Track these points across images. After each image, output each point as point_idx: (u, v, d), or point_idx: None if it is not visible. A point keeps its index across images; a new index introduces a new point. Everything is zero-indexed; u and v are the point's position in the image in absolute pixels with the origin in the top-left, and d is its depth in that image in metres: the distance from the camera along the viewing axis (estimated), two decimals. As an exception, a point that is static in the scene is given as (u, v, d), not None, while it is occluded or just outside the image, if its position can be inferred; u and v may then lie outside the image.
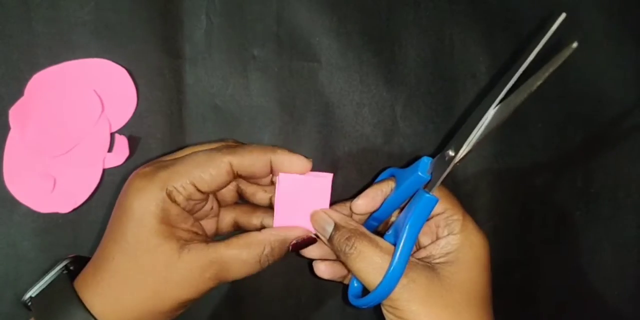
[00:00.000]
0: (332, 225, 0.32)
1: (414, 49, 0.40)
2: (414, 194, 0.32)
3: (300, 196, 0.33)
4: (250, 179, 0.34)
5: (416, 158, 0.35)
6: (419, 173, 0.31)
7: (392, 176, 0.36)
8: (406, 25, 0.40)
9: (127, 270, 0.29)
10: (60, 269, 0.33)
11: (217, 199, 0.35)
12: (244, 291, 0.39)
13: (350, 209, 0.35)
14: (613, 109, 0.43)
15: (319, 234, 0.34)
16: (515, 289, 0.42)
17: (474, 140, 0.29)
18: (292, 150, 0.33)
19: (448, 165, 0.30)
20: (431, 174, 0.31)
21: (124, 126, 0.37)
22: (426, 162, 0.32)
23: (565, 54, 0.25)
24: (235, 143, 0.35)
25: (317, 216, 0.33)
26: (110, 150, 0.36)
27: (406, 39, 0.40)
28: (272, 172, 0.33)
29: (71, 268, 0.34)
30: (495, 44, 0.41)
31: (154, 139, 0.37)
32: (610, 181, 0.43)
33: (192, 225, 0.31)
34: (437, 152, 0.40)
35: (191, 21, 0.37)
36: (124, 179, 0.36)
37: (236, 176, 0.32)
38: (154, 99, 0.37)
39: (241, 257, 0.30)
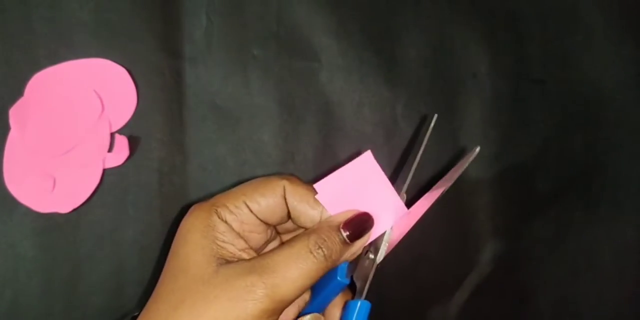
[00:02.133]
0: None
1: (414, 48, 0.40)
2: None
3: (350, 189, 0.30)
4: (292, 215, 0.31)
5: None
6: (338, 278, 0.30)
7: None
8: (406, 25, 0.40)
9: (165, 292, 0.27)
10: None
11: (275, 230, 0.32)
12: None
13: None
14: (613, 109, 0.43)
15: None
16: (515, 289, 0.42)
17: (386, 246, 0.31)
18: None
19: (371, 268, 0.30)
20: (350, 278, 0.31)
21: (124, 126, 0.37)
22: (343, 267, 0.30)
23: (469, 159, 0.28)
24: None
25: None
26: (110, 150, 0.36)
27: (406, 39, 0.40)
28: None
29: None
30: (495, 44, 0.41)
31: (154, 139, 0.37)
32: (610, 181, 0.43)
33: (242, 251, 0.28)
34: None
35: (191, 21, 0.37)
36: (124, 179, 0.36)
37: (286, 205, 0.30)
38: (154, 99, 0.37)
39: (286, 250, 0.27)
